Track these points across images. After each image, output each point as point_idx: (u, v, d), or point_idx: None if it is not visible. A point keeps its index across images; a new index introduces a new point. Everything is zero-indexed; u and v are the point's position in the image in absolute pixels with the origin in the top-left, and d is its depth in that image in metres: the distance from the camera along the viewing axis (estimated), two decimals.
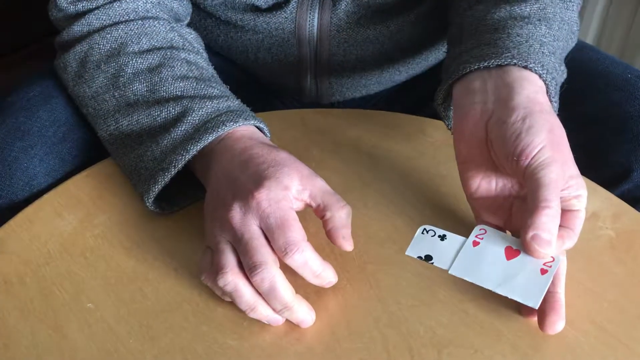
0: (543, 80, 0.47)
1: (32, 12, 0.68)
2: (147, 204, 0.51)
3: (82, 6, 0.57)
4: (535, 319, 0.45)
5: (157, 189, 0.50)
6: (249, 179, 0.46)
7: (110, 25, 0.56)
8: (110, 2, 0.57)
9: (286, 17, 0.62)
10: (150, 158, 0.51)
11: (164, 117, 0.52)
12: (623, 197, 0.54)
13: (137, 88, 0.54)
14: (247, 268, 0.44)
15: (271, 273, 0.43)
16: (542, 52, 0.48)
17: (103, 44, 0.56)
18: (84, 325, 0.46)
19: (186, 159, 0.49)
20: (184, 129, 0.51)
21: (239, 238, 0.44)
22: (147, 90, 0.54)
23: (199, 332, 0.45)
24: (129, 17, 0.57)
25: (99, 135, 0.56)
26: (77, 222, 0.52)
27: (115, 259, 0.50)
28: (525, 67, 0.46)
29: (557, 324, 0.43)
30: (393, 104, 0.73)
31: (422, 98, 0.69)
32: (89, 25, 0.57)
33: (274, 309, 0.44)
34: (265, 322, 0.45)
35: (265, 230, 0.44)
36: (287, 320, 0.46)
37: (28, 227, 0.52)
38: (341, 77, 0.65)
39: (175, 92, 0.53)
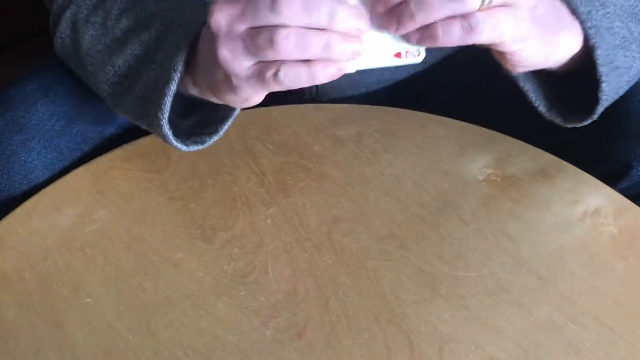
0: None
1: (29, 7, 0.68)
2: (162, 122, 0.47)
3: None
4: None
5: (167, 101, 0.46)
6: None
7: None
8: None
9: None
10: (153, 79, 0.48)
11: (154, 36, 0.49)
12: (623, 194, 0.53)
13: (124, 24, 0.51)
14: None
15: None
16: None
17: (91, 0, 0.54)
18: (83, 320, 0.46)
19: (183, 59, 0.45)
20: (175, 35, 0.48)
21: None
22: (134, 22, 0.51)
23: (199, 327, 0.45)
24: None
25: (103, 95, 0.53)
26: (76, 216, 0.52)
27: (114, 254, 0.50)
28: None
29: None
30: (393, 99, 0.72)
31: (422, 94, 0.68)
32: None
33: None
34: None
35: None
36: (286, 315, 0.45)
37: (27, 221, 0.52)
38: (342, 76, 0.65)
39: (158, 9, 0.50)
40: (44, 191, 0.54)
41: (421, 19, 0.38)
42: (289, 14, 0.37)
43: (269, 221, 0.51)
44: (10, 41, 0.81)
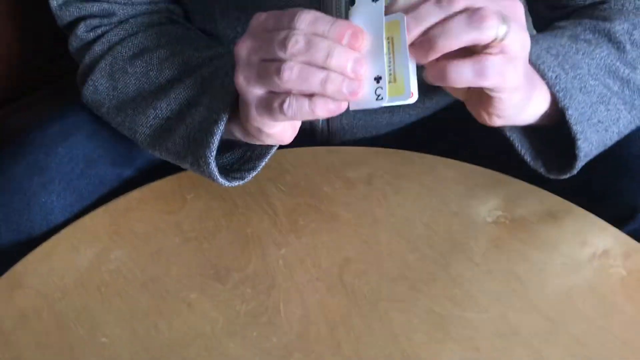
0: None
1: (51, 52, 0.71)
2: (210, 160, 0.50)
3: (101, 30, 0.60)
4: None
5: (216, 140, 0.49)
6: None
7: (130, 36, 0.58)
8: (127, 20, 0.60)
9: None
10: (199, 120, 0.51)
11: (199, 82, 0.53)
12: (631, 237, 0.54)
13: (167, 74, 0.55)
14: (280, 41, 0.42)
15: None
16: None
17: (125, 52, 0.57)
18: (99, 359, 0.46)
19: (230, 101, 0.49)
20: (222, 80, 0.51)
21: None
22: (177, 71, 0.55)
23: None
24: (146, 27, 0.59)
25: (140, 139, 0.56)
26: (93, 256, 0.53)
27: (130, 294, 0.50)
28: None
29: None
30: (402, 142, 0.73)
31: (431, 136, 0.70)
32: (109, 41, 0.59)
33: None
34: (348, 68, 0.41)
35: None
36: (298, 356, 0.46)
37: (46, 261, 0.53)
38: (353, 119, 0.67)
39: (204, 57, 0.54)
40: (62, 232, 0.55)
41: (441, 46, 0.41)
42: (294, 51, 0.41)
43: (281, 262, 0.52)
44: (30, 86, 0.84)
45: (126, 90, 0.57)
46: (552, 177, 0.53)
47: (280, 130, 0.47)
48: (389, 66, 0.43)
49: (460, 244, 0.53)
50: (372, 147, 0.63)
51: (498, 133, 0.64)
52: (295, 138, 0.75)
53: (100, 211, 0.57)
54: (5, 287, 0.51)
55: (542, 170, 0.53)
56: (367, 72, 0.42)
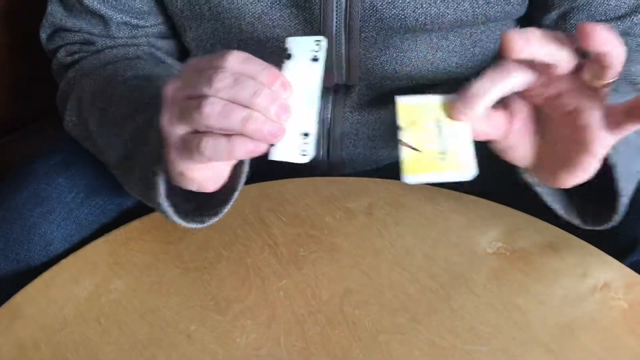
0: None
1: (52, 82, 0.72)
2: (160, 200, 0.48)
3: (78, 56, 0.61)
4: None
5: (159, 179, 0.48)
6: None
7: (100, 67, 0.59)
8: (102, 50, 0.61)
9: None
10: (149, 160, 0.50)
11: (149, 118, 0.51)
12: (632, 268, 0.54)
13: (122, 112, 0.54)
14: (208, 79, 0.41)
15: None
16: None
17: (94, 86, 0.58)
18: None
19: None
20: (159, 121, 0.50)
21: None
22: (133, 106, 0.54)
23: None
24: (117, 60, 0.60)
25: (112, 170, 0.56)
26: (93, 287, 0.53)
27: (129, 325, 0.50)
28: None
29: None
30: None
31: None
32: (81, 69, 0.60)
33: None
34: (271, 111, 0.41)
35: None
36: None
37: (45, 292, 0.53)
38: (353, 153, 0.67)
39: (156, 94, 0.52)
40: (62, 262, 0.55)
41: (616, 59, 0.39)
42: (220, 87, 0.41)
43: (281, 293, 0.52)
44: (33, 115, 0.85)
45: (87, 126, 0.58)
46: (587, 227, 0.51)
47: (203, 177, 0.46)
48: (443, 143, 0.43)
49: (461, 275, 0.53)
50: (371, 178, 0.63)
51: (497, 165, 0.65)
52: (297, 170, 0.75)
53: (100, 241, 0.57)
54: (4, 318, 0.51)
55: (577, 221, 0.51)
56: (292, 124, 0.42)
